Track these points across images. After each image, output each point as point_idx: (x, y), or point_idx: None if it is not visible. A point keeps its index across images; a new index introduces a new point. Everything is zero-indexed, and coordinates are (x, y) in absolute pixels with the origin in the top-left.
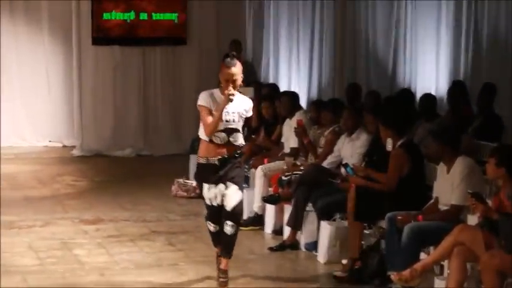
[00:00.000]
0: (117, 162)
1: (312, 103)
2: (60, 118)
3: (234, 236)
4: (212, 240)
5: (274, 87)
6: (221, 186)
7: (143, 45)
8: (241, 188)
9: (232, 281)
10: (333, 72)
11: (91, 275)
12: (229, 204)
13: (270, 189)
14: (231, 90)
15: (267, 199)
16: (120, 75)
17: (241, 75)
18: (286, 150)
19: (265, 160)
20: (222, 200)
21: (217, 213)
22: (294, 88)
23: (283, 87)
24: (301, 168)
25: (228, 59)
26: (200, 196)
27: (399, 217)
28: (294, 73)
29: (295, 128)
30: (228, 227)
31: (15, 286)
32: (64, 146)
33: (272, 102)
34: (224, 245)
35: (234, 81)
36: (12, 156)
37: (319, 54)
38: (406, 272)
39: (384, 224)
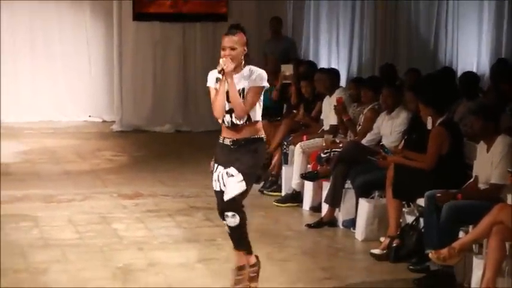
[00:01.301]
0: (156, 137)
1: (351, 80)
2: (101, 93)
3: (238, 226)
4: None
5: (313, 64)
6: (228, 169)
7: (184, 21)
8: (247, 179)
9: (270, 257)
10: (373, 50)
11: (129, 249)
12: (226, 196)
13: (308, 166)
14: (222, 63)
15: (305, 176)
16: (160, 52)
17: (243, 48)
18: (326, 127)
19: (304, 137)
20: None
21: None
22: (334, 65)
23: (323, 65)
24: (340, 145)
25: (230, 28)
26: None
27: (438, 195)
28: (334, 50)
29: (334, 105)
30: (229, 218)
31: (55, 259)
32: (104, 121)
33: (311, 80)
34: (232, 237)
35: (230, 53)
36: (52, 131)
37: (359, 31)
38: (445, 251)
39: (422, 202)
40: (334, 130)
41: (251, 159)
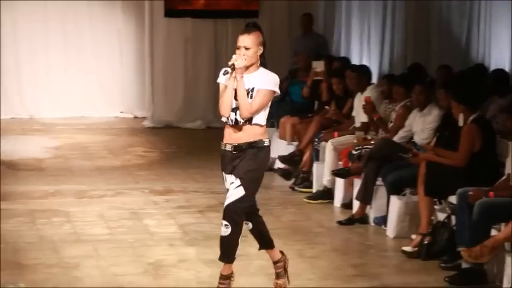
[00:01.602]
0: (187, 134)
1: (384, 76)
2: (132, 89)
3: (227, 238)
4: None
5: (345, 61)
6: (232, 177)
7: (215, 17)
8: (245, 184)
9: (300, 254)
10: (404, 47)
11: (160, 245)
12: (226, 200)
13: (339, 162)
14: (234, 58)
15: (336, 173)
16: (191, 48)
17: (258, 47)
18: (357, 124)
19: (336, 134)
20: None
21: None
22: (365, 62)
23: (354, 62)
24: (372, 142)
25: (246, 27)
26: (270, 169)
27: (470, 193)
28: (366, 47)
29: (363, 105)
30: (223, 227)
31: (87, 255)
32: (135, 117)
33: (342, 77)
34: (220, 247)
35: (245, 52)
36: (84, 127)
37: (391, 27)
38: (476, 249)
39: (454, 199)
40: (365, 127)
41: (250, 164)
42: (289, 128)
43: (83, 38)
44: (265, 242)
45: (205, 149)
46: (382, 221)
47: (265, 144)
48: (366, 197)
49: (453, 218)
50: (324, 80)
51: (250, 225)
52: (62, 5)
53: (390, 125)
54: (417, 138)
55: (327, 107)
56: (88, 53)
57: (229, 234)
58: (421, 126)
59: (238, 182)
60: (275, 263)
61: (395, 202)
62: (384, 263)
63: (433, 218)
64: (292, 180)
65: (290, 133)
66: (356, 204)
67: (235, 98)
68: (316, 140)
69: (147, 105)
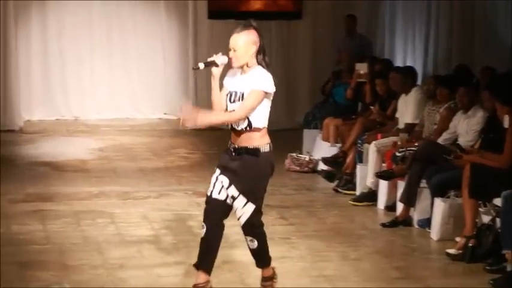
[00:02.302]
0: (229, 135)
1: (431, 77)
2: (175, 91)
3: (258, 249)
4: (199, 250)
5: (388, 62)
6: (224, 179)
7: (258, 19)
8: (252, 197)
9: (344, 256)
10: (449, 48)
11: None
12: (240, 220)
13: (383, 164)
14: (215, 56)
15: (380, 175)
16: None
17: (249, 47)
18: (401, 125)
19: (379, 136)
20: (219, 195)
21: (211, 208)
22: (410, 63)
23: (398, 63)
24: (416, 144)
25: (240, 26)
26: (313, 171)
27: None
28: (410, 48)
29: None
30: (248, 242)
31: (131, 256)
32: (178, 119)
33: (386, 78)
34: (253, 257)
35: (234, 54)
36: (127, 128)
37: (435, 28)
38: None
39: (499, 202)
40: (409, 129)
41: (250, 174)
42: (333, 129)
43: (126, 41)
44: (208, 256)
45: None
46: (426, 223)
47: (262, 151)
48: (409, 199)
49: (498, 220)
50: (367, 82)
51: (205, 229)
52: (106, 9)
53: (434, 127)
54: (461, 140)
55: (371, 107)
56: (132, 55)
57: (258, 245)
58: (465, 128)
59: (243, 199)
60: (263, 279)
61: (440, 204)
62: (428, 266)
63: (477, 220)
64: (336, 182)
65: (333, 135)
66: (400, 207)
67: (232, 100)
68: (360, 141)
69: None
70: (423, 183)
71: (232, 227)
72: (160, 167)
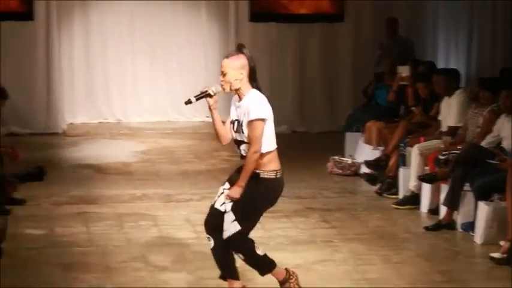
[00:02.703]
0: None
1: (476, 79)
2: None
3: (247, 261)
4: (215, 262)
5: (431, 65)
6: (225, 190)
7: (300, 22)
8: (240, 218)
9: (387, 259)
10: (493, 50)
11: None
12: (223, 234)
13: (426, 168)
14: (209, 88)
15: (423, 178)
16: (277, 52)
17: (238, 72)
18: (443, 128)
19: (422, 139)
20: (220, 206)
21: (211, 217)
22: (452, 65)
23: (440, 65)
24: (459, 147)
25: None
26: (355, 174)
27: None
28: (453, 51)
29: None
30: (235, 254)
31: (173, 258)
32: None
33: (428, 81)
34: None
35: (223, 78)
36: (170, 131)
37: (478, 29)
38: None
39: None
40: (452, 132)
41: (245, 196)
42: (375, 132)
43: (168, 44)
44: (227, 268)
45: (290, 154)
46: (470, 226)
47: (262, 176)
48: (453, 202)
49: None
50: (409, 84)
51: (212, 241)
52: (147, 12)
53: (477, 130)
54: (505, 144)
55: (413, 108)
56: (173, 58)
57: (244, 258)
58: (509, 131)
59: (232, 216)
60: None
61: (483, 208)
62: (472, 270)
63: None
64: (378, 185)
65: (376, 138)
66: (443, 210)
67: (236, 129)
68: (402, 145)
69: None
70: (466, 187)
71: (272, 230)
72: (202, 170)
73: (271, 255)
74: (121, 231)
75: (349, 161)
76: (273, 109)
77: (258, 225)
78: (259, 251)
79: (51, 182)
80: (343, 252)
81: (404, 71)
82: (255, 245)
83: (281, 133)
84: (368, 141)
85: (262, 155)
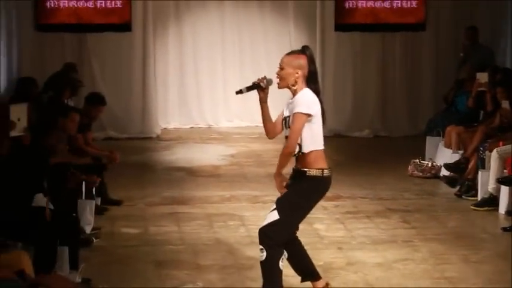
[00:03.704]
0: (356, 142)
1: None
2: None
3: (264, 263)
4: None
5: (509, 72)
6: None
7: (383, 31)
8: (281, 209)
9: (465, 259)
10: None
11: (329, 249)
12: (262, 223)
13: (504, 171)
14: (261, 80)
15: (501, 180)
16: (360, 60)
17: (294, 70)
18: None
19: (501, 143)
20: None
21: None
22: None
23: None
24: None
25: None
26: (435, 176)
27: None
28: None
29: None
30: (259, 250)
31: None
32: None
33: (508, 87)
34: (261, 272)
35: (279, 71)
36: (257, 136)
37: None
38: None
39: None
40: None
41: (290, 190)
42: (455, 136)
43: (257, 51)
44: (305, 272)
45: (372, 157)
46: None
47: (308, 174)
48: None
49: None
50: (488, 90)
51: (285, 254)
52: (237, 19)
53: None
54: None
55: (503, 101)
56: (262, 64)
57: (265, 259)
58: None
59: (274, 206)
60: None
61: None
62: None
63: None
64: (457, 188)
65: (456, 142)
66: None
67: (286, 125)
68: (481, 148)
69: None
70: None
71: (354, 230)
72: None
73: (353, 254)
74: (210, 231)
75: (430, 164)
76: (355, 115)
77: (340, 226)
78: (280, 265)
79: (145, 183)
80: (423, 252)
81: (482, 77)
82: (282, 257)
83: (364, 137)
84: (448, 145)
85: (308, 154)
